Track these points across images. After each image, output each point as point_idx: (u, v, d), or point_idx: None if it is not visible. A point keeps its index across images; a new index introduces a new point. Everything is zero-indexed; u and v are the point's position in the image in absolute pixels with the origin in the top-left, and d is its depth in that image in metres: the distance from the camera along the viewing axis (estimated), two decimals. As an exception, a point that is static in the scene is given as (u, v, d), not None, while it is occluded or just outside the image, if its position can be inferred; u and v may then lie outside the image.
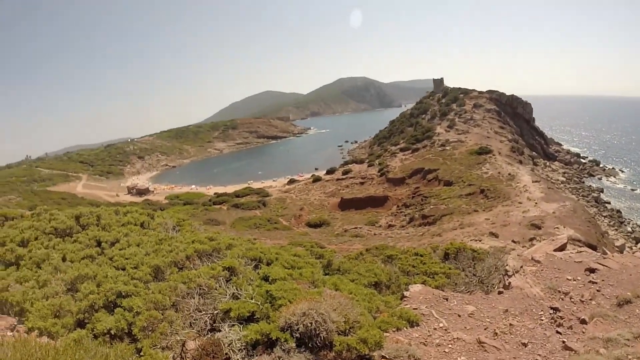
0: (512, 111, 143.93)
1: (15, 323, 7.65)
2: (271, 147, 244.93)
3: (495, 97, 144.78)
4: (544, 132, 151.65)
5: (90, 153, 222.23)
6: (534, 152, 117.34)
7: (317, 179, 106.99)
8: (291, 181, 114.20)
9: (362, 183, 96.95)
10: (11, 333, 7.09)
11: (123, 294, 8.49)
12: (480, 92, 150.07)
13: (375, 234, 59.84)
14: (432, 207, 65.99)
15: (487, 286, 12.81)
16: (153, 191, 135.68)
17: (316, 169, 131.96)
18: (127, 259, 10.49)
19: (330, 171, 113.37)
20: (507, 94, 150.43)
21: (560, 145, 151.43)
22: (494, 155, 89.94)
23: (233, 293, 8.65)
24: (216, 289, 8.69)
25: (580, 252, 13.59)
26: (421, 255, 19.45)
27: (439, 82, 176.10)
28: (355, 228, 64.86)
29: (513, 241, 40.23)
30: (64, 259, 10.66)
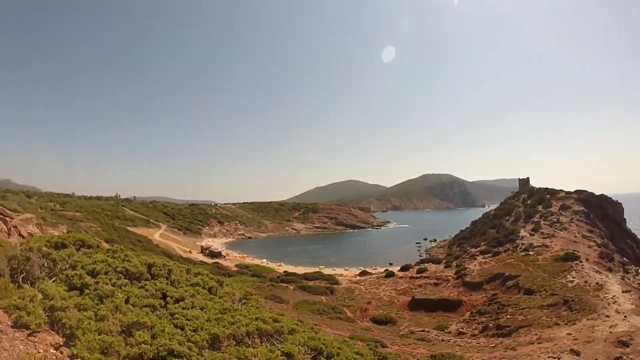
0: (602, 212, 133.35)
1: (62, 344, 7.59)
2: (348, 235, 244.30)
3: (584, 198, 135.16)
4: (635, 235, 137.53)
5: (174, 207, 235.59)
6: (624, 258, 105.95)
7: (389, 274, 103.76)
8: (363, 273, 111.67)
9: (436, 284, 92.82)
10: (54, 352, 7.09)
11: (175, 353, 8.22)
12: (567, 193, 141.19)
13: (442, 340, 56.01)
14: (508, 316, 61.33)
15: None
16: (225, 256, 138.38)
17: (390, 263, 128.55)
18: (188, 319, 10.30)
19: (404, 268, 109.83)
20: (596, 193, 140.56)
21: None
22: (581, 262, 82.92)
23: (286, 382, 8.25)
24: (270, 373, 8.26)
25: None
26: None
27: (524, 182, 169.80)
28: (423, 331, 61.24)
29: None
30: (126, 301, 10.60)
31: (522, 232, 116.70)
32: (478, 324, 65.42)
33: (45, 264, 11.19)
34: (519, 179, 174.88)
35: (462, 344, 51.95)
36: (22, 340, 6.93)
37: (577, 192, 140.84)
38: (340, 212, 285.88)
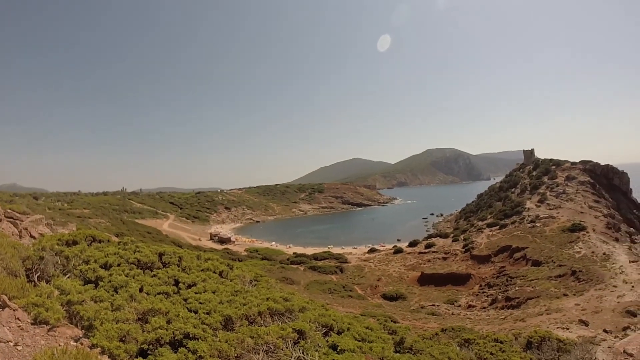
0: (608, 183, 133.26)
1: (81, 336, 7.90)
2: (355, 214, 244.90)
3: (589, 168, 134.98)
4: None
5: (181, 196, 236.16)
6: (631, 228, 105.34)
7: (398, 251, 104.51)
8: (372, 250, 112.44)
9: (444, 258, 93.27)
10: (75, 344, 7.36)
11: (190, 335, 8.56)
12: (573, 163, 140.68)
13: (453, 314, 56.64)
14: (517, 288, 61.82)
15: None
16: (234, 241, 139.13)
17: (398, 240, 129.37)
18: (201, 303, 10.62)
19: (412, 243, 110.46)
20: (602, 163, 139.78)
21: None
22: (587, 232, 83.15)
23: (299, 357, 8.55)
24: (282, 350, 8.62)
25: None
26: (501, 342, 17.83)
27: (529, 154, 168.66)
28: (433, 305, 61.87)
29: (605, 330, 36.18)
30: (140, 290, 10.92)
31: (529, 204, 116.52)
32: (487, 296, 65.92)
33: (59, 262, 11.45)
34: (524, 150, 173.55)
35: (472, 317, 52.56)
36: (42, 335, 7.19)
37: (583, 162, 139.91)
38: (346, 191, 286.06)
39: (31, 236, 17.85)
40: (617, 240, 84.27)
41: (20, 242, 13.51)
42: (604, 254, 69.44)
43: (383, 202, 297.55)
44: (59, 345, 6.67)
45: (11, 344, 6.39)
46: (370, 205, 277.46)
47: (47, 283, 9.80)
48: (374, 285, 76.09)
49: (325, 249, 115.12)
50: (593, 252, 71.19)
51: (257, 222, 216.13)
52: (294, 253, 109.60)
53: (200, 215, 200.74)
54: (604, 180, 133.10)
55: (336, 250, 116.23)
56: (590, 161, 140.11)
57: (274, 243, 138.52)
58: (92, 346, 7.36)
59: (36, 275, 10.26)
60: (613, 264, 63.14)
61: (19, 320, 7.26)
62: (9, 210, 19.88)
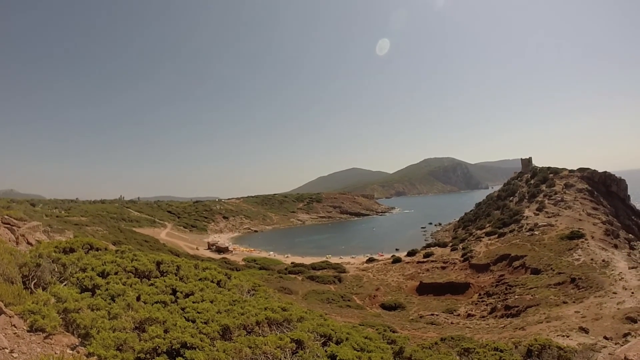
0: (606, 190, 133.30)
1: (77, 344, 7.80)
2: (354, 223, 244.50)
3: (587, 176, 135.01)
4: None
5: (179, 205, 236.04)
6: (630, 235, 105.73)
7: (396, 260, 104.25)
8: (370, 260, 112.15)
9: (443, 267, 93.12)
10: (71, 352, 7.29)
11: (188, 345, 8.47)
12: (571, 171, 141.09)
13: (452, 323, 56.32)
14: (516, 297, 61.66)
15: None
16: (232, 251, 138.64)
17: (397, 249, 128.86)
18: (199, 312, 10.55)
19: (411, 253, 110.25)
20: (599, 170, 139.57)
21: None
22: (586, 239, 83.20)
23: (297, 367, 8.46)
24: (280, 360, 8.44)
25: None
26: (501, 351, 17.70)
27: (527, 162, 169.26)
28: (432, 315, 61.56)
29: (605, 337, 36.21)
30: (138, 299, 10.84)
31: (527, 212, 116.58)
32: (486, 305, 65.64)
33: (56, 269, 11.37)
34: (522, 159, 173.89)
35: (471, 326, 52.23)
36: (38, 343, 7.12)
37: (580, 169, 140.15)
38: (344, 201, 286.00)
39: (28, 243, 17.75)
40: (616, 246, 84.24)
41: (17, 248, 13.45)
42: (603, 260, 69.44)
43: (381, 212, 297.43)
44: (55, 353, 6.63)
45: (7, 350, 6.33)
46: (368, 214, 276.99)
47: (43, 290, 9.73)
48: (372, 295, 75.78)
49: (324, 259, 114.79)
50: (592, 259, 71.17)
51: (255, 231, 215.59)
52: (292, 263, 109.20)
53: (198, 225, 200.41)
54: (602, 187, 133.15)
55: (334, 260, 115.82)
56: (588, 168, 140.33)
57: (272, 253, 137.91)
58: (89, 355, 7.28)
59: (33, 282, 10.18)
60: (612, 270, 63.22)
61: (15, 327, 7.19)
62: (6, 217, 19.77)
